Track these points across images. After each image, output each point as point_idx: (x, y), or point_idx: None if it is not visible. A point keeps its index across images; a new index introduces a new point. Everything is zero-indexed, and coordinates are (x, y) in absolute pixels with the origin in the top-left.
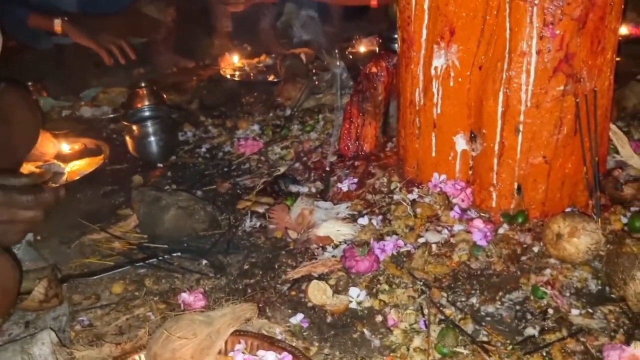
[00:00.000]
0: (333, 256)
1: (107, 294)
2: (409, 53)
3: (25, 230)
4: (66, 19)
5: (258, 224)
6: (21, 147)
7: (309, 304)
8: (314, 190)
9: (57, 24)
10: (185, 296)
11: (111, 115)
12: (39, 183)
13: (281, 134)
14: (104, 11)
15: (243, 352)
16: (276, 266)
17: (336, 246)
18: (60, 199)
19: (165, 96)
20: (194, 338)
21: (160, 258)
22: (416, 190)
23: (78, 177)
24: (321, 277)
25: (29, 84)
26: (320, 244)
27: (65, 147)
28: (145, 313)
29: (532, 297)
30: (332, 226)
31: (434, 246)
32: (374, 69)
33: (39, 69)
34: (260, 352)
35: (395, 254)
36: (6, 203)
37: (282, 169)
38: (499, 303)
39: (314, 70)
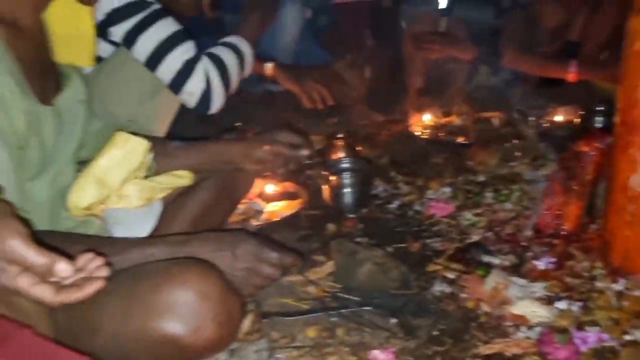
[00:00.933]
0: (527, 337)
1: (301, 336)
2: (629, 137)
3: (260, 286)
4: (277, 63)
5: (448, 289)
6: (242, 191)
7: None
8: (506, 263)
9: (269, 68)
10: (377, 353)
11: (309, 162)
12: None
13: (473, 200)
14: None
15: None
16: (466, 337)
17: (531, 327)
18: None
19: (359, 149)
20: None
21: (352, 310)
22: (622, 280)
23: (276, 219)
24: (515, 358)
25: (237, 125)
26: (515, 322)
27: (269, 188)
28: None
29: None
30: (528, 306)
31: None
32: (585, 148)
33: (245, 111)
34: None
35: (598, 347)
36: (256, 253)
37: (475, 237)
38: None
39: (507, 137)
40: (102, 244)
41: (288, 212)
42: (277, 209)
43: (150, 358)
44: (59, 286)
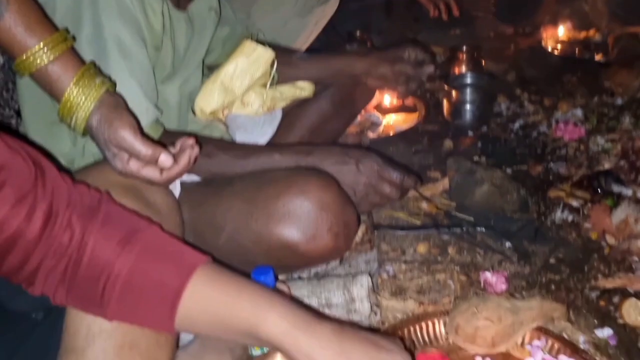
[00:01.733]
0: None
1: (411, 251)
2: None
3: (377, 204)
4: None
5: (570, 218)
6: (361, 103)
7: (620, 321)
8: (639, 195)
9: None
10: (488, 275)
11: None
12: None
13: (608, 125)
14: None
15: (542, 350)
16: (586, 269)
17: None
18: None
19: (483, 63)
20: (498, 322)
21: (465, 229)
22: None
23: (393, 132)
24: (638, 295)
25: (357, 32)
26: None
27: (387, 100)
28: (446, 280)
29: None
30: None
31: None
32: None
33: (365, 19)
34: (562, 357)
35: None
36: (379, 170)
37: (606, 165)
38: None
39: None
40: (231, 147)
41: (405, 126)
42: (394, 122)
43: (268, 260)
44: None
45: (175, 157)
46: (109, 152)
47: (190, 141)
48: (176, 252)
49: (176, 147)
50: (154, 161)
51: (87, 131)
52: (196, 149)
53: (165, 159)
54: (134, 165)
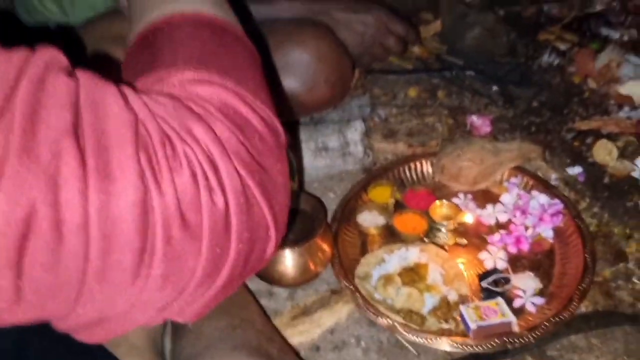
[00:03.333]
0: (628, 118)
1: (402, 95)
2: None
3: (379, 57)
4: None
5: (556, 61)
6: None
7: (590, 160)
8: (626, 38)
9: None
10: (474, 118)
11: None
12: None
13: None
14: None
15: (517, 187)
16: (565, 112)
17: (635, 108)
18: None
19: None
20: (480, 163)
21: (454, 73)
22: None
23: None
24: (609, 136)
25: None
26: (619, 102)
27: None
28: (434, 122)
29: None
30: (638, 87)
31: None
32: None
33: None
34: (534, 192)
35: None
36: (387, 22)
37: (598, 7)
38: None
39: None
40: None
41: None
42: None
43: None
44: None
45: None
46: None
47: None
48: None
49: None
50: None
51: None
52: None
53: None
54: None
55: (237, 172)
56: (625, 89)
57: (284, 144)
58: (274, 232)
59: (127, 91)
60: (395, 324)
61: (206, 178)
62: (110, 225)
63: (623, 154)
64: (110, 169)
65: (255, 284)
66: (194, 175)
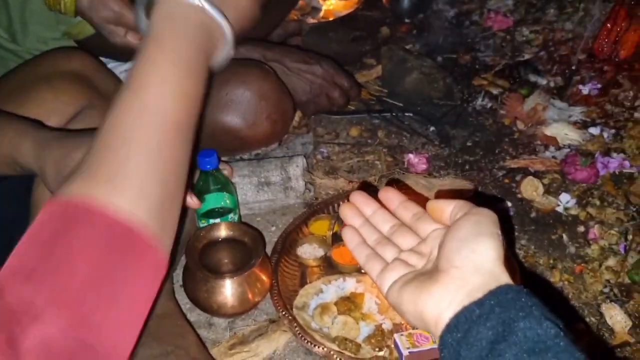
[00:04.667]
0: (553, 157)
1: (344, 134)
2: None
3: (323, 108)
4: None
5: (489, 105)
6: None
7: (519, 195)
8: (552, 85)
9: None
10: (411, 156)
11: None
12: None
13: (534, 16)
14: None
15: None
16: (497, 151)
17: (559, 148)
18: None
19: None
20: None
21: (394, 114)
22: None
23: (332, 18)
24: (536, 174)
25: None
26: (545, 142)
27: None
28: (373, 160)
29: None
30: (562, 128)
31: None
32: None
33: None
34: None
35: (617, 172)
36: (334, 75)
37: (527, 55)
38: None
39: None
40: None
41: (344, 12)
42: (334, 8)
43: (212, 144)
44: None
45: None
46: (104, 31)
47: None
48: None
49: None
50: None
51: (79, 13)
52: None
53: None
54: (131, 38)
55: None
56: (550, 131)
57: None
58: None
59: None
60: (332, 352)
61: None
62: None
63: (548, 191)
64: None
65: (194, 315)
66: None
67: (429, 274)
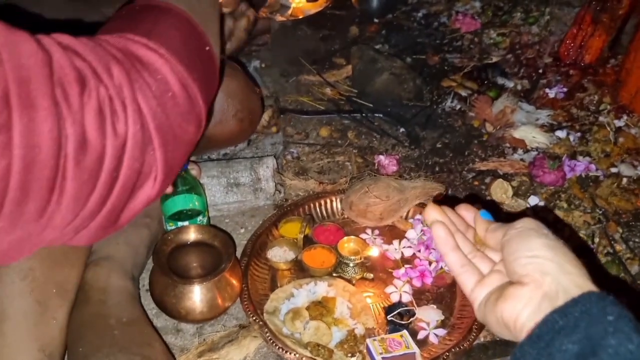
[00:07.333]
0: (522, 159)
1: (314, 135)
2: None
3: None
4: None
5: (458, 106)
6: None
7: (488, 198)
8: (519, 87)
9: None
10: (382, 158)
11: None
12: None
13: (501, 19)
14: None
15: (422, 223)
16: (466, 153)
17: (527, 151)
18: None
19: None
20: (386, 200)
21: (364, 115)
22: (625, 117)
23: (301, 16)
24: (505, 177)
25: None
26: (513, 145)
27: None
28: (344, 161)
29: None
30: (529, 131)
31: (624, 179)
32: None
33: None
34: None
35: (583, 175)
36: None
37: (494, 58)
38: None
39: None
40: None
41: (313, 10)
42: (303, 6)
43: None
44: None
45: None
46: None
47: None
48: None
49: None
50: None
51: None
52: None
53: None
54: None
55: (141, 113)
56: (518, 133)
57: (199, 115)
58: (160, 177)
59: (39, 36)
60: (303, 358)
61: (113, 112)
62: (31, 146)
63: (517, 193)
64: (33, 98)
65: (161, 321)
66: (100, 110)
67: (506, 286)
